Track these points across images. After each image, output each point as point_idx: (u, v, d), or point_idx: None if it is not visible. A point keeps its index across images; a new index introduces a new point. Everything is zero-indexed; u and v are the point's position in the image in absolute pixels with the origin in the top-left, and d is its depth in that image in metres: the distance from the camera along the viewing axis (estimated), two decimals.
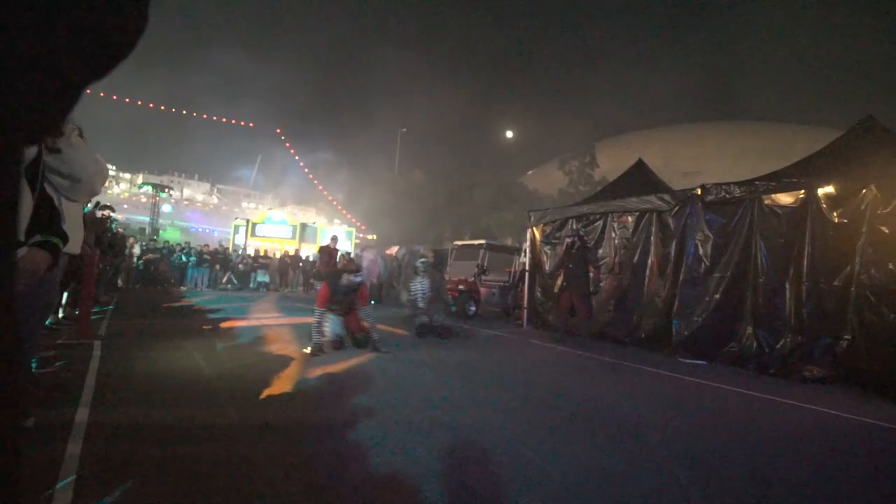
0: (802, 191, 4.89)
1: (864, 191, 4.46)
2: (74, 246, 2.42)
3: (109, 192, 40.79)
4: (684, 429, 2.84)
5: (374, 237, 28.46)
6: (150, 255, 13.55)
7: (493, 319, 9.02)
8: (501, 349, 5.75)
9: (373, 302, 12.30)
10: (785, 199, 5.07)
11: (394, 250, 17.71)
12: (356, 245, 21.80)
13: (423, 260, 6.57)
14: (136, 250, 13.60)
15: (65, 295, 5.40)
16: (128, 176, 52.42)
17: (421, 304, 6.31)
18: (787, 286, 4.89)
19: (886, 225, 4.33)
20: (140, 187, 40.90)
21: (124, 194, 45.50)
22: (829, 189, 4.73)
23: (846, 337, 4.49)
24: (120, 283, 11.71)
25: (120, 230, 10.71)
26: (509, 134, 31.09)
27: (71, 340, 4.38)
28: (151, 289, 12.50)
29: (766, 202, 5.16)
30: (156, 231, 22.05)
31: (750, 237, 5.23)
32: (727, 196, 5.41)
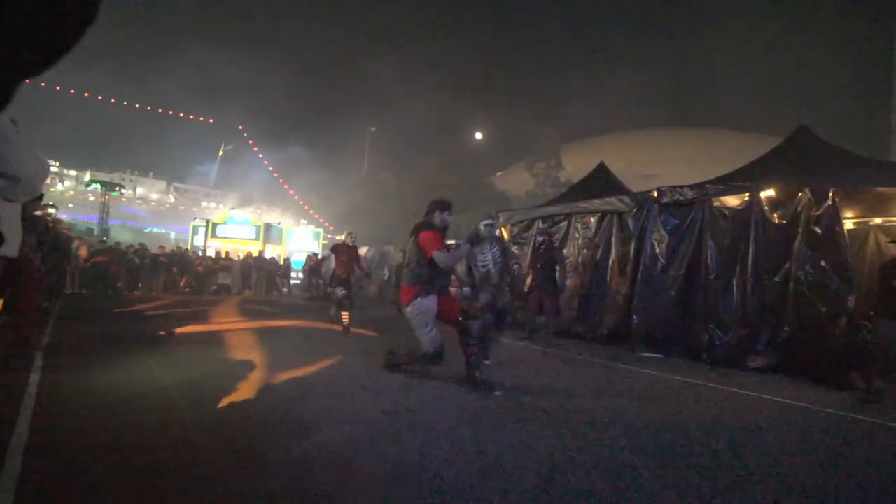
0: (747, 194, 5.25)
1: (799, 194, 4.85)
2: (12, 248, 2.25)
3: (53, 189, 37.95)
4: (642, 420, 2.99)
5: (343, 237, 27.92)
6: (99, 258, 12.71)
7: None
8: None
9: None
10: (732, 201, 5.43)
11: (363, 251, 17.48)
12: (323, 246, 21.33)
13: (488, 222, 4.77)
14: (84, 252, 12.72)
15: (0, 302, 4.98)
16: (73, 173, 48.91)
17: (494, 281, 4.60)
18: (735, 282, 5.24)
19: (818, 226, 4.73)
20: (87, 185, 38.23)
21: (69, 192, 42.41)
22: (770, 192, 5.11)
23: (786, 329, 4.86)
24: (67, 288, 10.91)
25: (65, 230, 9.98)
26: (478, 135, 31.40)
27: (9, 351, 4.05)
28: (100, 294, 11.73)
29: (715, 204, 5.51)
30: (105, 232, 20.69)
31: (701, 237, 5.57)
32: (680, 198, 5.73)
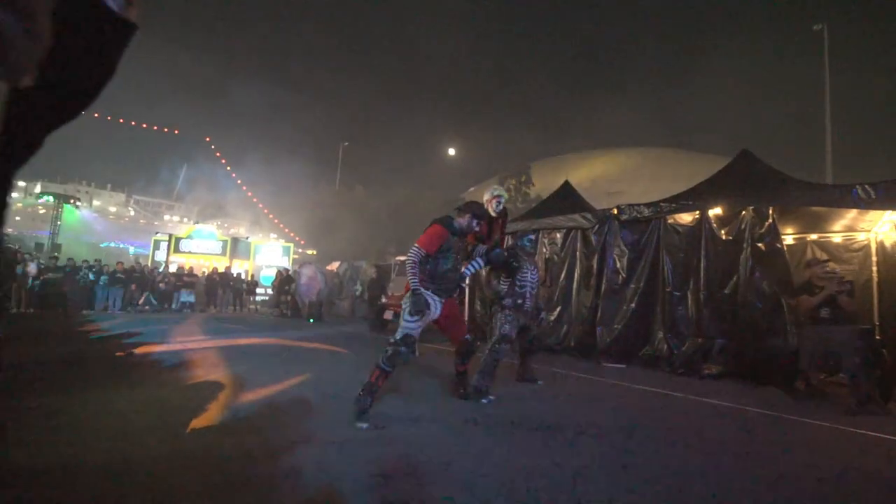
0: (697, 212, 5.65)
1: (743, 213, 5.27)
2: None
3: None
4: (603, 427, 3.14)
5: (314, 252, 27.50)
6: (50, 275, 11.98)
7: (434, 333, 9.13)
8: (438, 360, 5.86)
9: (311, 321, 11.88)
10: (685, 218, 5.82)
11: (335, 266, 17.27)
12: (294, 261, 20.91)
13: (530, 237, 4.51)
14: (32, 269, 11.95)
15: None
16: (23, 184, 46.05)
17: (528, 306, 4.19)
18: (689, 295, 5.58)
19: (762, 242, 5.13)
20: (38, 197, 36.00)
21: (17, 205, 39.81)
22: (718, 211, 5.52)
23: (735, 338, 5.20)
24: (13, 307, 10.21)
25: (12, 246, 9.39)
26: (451, 151, 31.95)
27: None
28: (51, 313, 11.02)
29: (669, 221, 5.88)
30: (57, 247, 19.51)
31: (658, 252, 5.91)
32: (638, 215, 6.09)
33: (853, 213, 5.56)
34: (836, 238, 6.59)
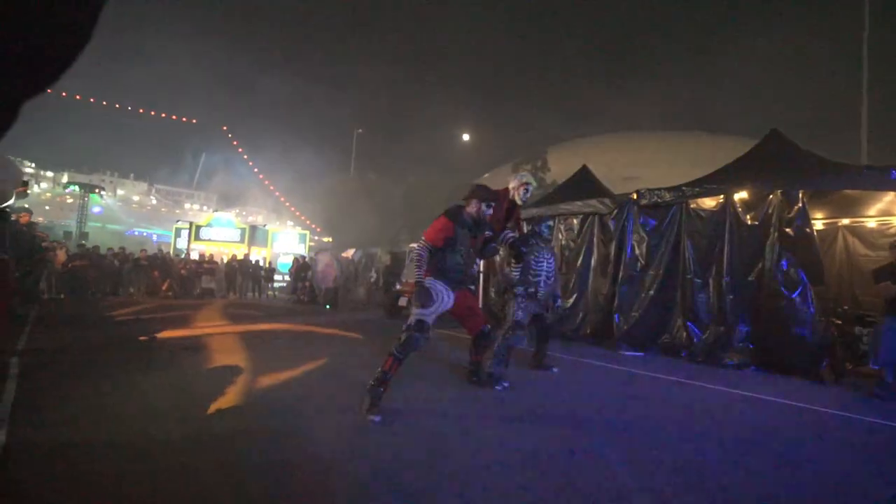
0: (721, 196, 5.43)
1: (770, 197, 5.03)
2: None
3: (28, 191, 36.75)
4: (622, 418, 3.08)
5: (330, 240, 27.77)
6: (78, 262, 12.41)
7: (447, 320, 9.13)
8: (452, 348, 5.87)
9: (327, 307, 12.03)
10: (708, 203, 5.61)
11: (349, 253, 17.40)
12: (310, 248, 21.17)
13: (549, 223, 4.38)
14: (61, 256, 12.40)
15: None
16: (50, 174, 47.68)
17: (542, 293, 4.15)
18: (711, 281, 5.41)
19: (791, 227, 4.91)
20: (65, 187, 37.20)
21: (46, 195, 41.27)
22: (744, 195, 5.29)
23: (759, 326, 5.03)
24: (44, 293, 10.63)
25: (42, 234, 9.74)
26: (466, 137, 31.56)
27: None
28: (79, 298, 11.45)
29: (691, 206, 5.68)
30: (84, 235, 20.18)
31: (679, 237, 5.73)
32: (659, 200, 5.89)
33: (890, 195, 5.27)
34: (871, 223, 6.29)
